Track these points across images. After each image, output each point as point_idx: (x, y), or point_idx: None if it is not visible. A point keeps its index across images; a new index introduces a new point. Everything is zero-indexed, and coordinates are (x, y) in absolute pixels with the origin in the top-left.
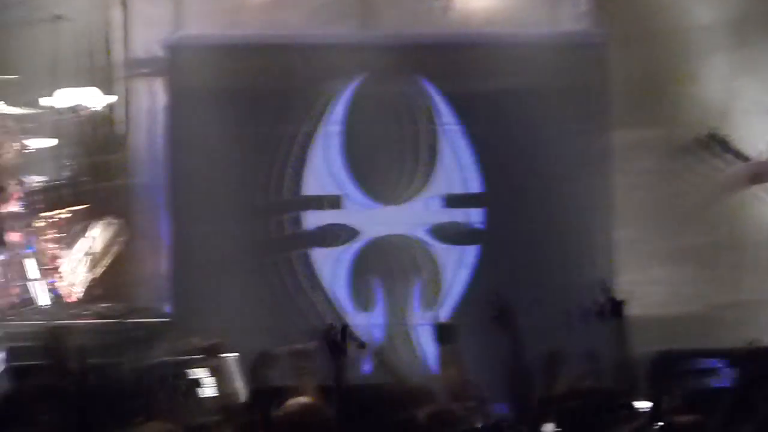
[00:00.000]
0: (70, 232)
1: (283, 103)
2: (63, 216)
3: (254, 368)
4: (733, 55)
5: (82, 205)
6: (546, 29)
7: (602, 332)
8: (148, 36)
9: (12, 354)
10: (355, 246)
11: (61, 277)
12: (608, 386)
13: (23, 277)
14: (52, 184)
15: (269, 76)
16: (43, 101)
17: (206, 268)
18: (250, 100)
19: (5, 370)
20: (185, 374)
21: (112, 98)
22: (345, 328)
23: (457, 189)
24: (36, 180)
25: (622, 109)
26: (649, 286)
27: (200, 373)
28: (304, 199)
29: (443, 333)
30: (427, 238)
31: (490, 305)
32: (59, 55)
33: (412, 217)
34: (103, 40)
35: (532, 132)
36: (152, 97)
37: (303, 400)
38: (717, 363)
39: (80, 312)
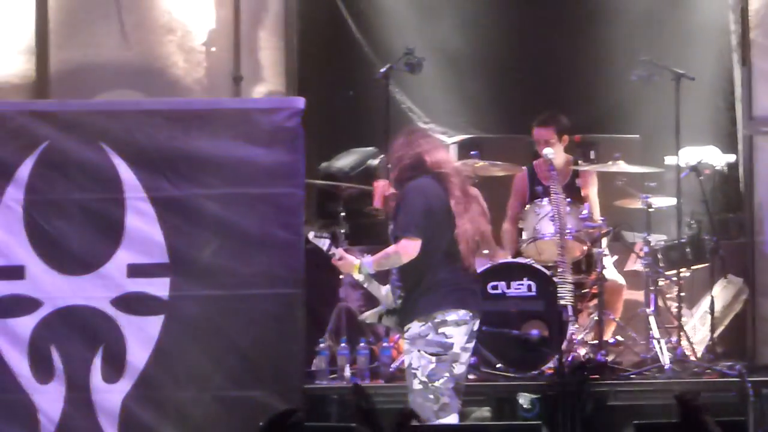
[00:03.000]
0: (692, 291)
1: None
2: (685, 275)
3: None
4: None
5: (704, 263)
6: None
7: None
8: None
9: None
10: None
11: (683, 335)
12: None
13: (647, 336)
14: (674, 242)
15: None
16: (667, 159)
17: None
18: None
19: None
20: None
21: (731, 156)
22: None
23: None
24: (658, 238)
25: None
26: None
27: None
28: None
29: None
30: None
31: None
32: (682, 113)
33: None
34: (725, 98)
35: None
36: None
37: None
38: None
39: (703, 371)
